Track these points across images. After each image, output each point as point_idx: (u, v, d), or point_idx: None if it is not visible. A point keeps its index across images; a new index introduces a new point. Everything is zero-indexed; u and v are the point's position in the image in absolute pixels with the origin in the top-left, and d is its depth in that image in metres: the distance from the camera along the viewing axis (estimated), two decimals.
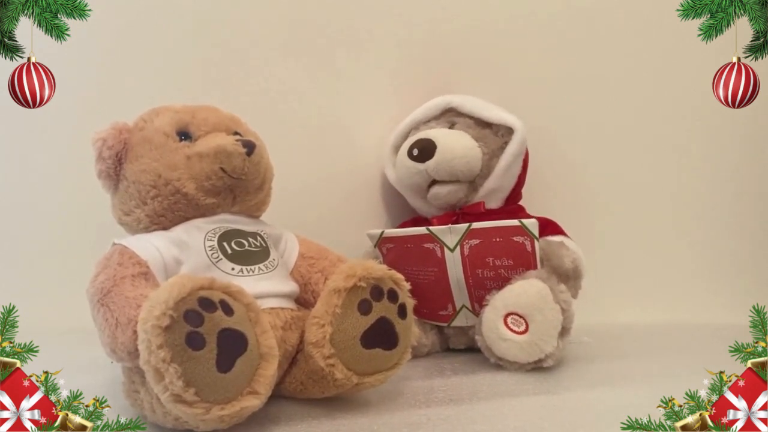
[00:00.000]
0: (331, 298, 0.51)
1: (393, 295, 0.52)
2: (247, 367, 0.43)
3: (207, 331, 0.41)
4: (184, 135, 0.59)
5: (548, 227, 0.81)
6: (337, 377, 0.51)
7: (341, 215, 0.95)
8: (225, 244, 0.56)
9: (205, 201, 0.58)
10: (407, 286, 0.54)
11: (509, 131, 0.84)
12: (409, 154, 0.82)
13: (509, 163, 0.84)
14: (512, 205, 0.88)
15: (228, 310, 0.43)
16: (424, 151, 0.81)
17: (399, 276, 0.54)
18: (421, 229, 0.72)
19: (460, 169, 0.81)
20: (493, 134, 0.85)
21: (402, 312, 0.53)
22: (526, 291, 0.66)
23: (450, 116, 0.88)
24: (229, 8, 0.94)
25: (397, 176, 0.89)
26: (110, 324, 0.46)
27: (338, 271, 0.52)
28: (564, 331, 0.68)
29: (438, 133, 0.83)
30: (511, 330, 0.66)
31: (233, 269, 0.54)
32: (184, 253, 0.54)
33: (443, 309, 0.75)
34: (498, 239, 0.69)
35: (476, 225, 0.69)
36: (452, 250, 0.70)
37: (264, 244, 0.59)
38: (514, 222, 0.68)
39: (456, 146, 0.81)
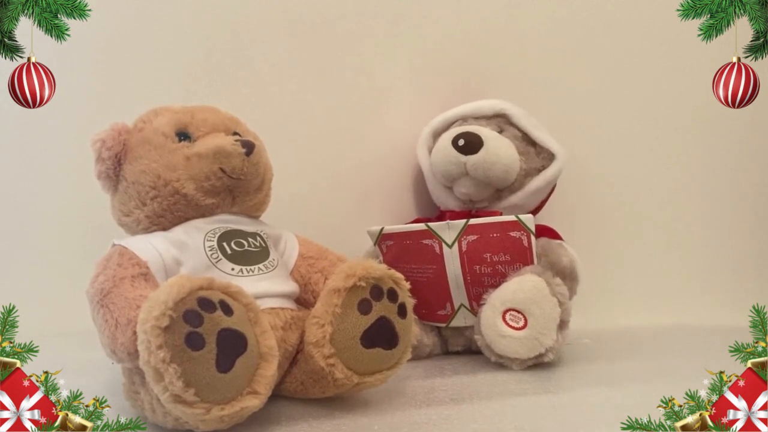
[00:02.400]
0: (331, 297, 0.51)
1: (393, 295, 0.52)
2: (246, 367, 0.43)
3: (206, 332, 0.41)
4: (184, 135, 0.59)
5: (546, 233, 0.81)
6: (337, 377, 0.51)
7: (343, 215, 0.95)
8: (225, 244, 0.56)
9: (205, 201, 0.58)
10: (407, 285, 0.54)
11: (551, 156, 0.84)
12: (454, 142, 0.81)
13: (540, 187, 0.83)
14: None
15: (227, 311, 0.43)
16: (470, 145, 0.79)
17: (399, 275, 0.54)
18: (420, 225, 0.72)
19: (497, 174, 0.80)
20: (536, 154, 0.85)
21: (402, 311, 0.53)
22: (522, 286, 0.66)
23: (500, 122, 0.87)
24: (234, 7, 0.94)
25: (432, 161, 0.87)
26: (110, 325, 0.46)
27: (338, 270, 0.52)
28: (562, 324, 0.68)
29: (488, 133, 0.81)
30: (510, 326, 0.67)
31: (233, 269, 0.54)
32: (183, 253, 0.54)
33: (442, 308, 0.75)
34: (495, 234, 0.69)
35: (474, 221, 0.70)
36: (450, 246, 0.70)
37: (264, 245, 0.59)
38: (511, 217, 0.69)
39: (502, 152, 0.80)
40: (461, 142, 0.80)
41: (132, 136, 0.59)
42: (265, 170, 0.63)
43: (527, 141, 0.85)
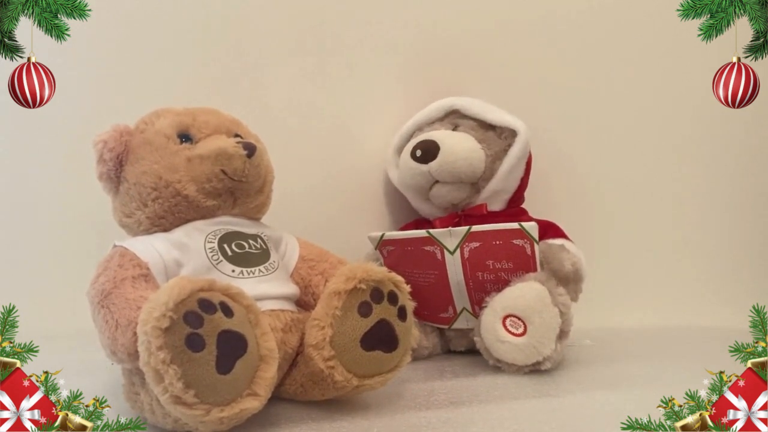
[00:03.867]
0: (331, 300, 0.51)
1: (393, 298, 0.52)
2: (246, 368, 0.43)
3: (207, 333, 0.41)
4: (185, 137, 0.59)
5: (550, 230, 0.81)
6: (337, 379, 0.51)
7: (344, 218, 0.95)
8: (225, 246, 0.56)
9: (206, 203, 0.58)
10: (407, 288, 0.54)
11: (513, 134, 0.84)
12: (413, 155, 0.82)
13: (512, 166, 0.83)
14: (515, 208, 0.88)
15: (228, 312, 0.43)
16: (427, 152, 0.81)
17: (399, 278, 0.54)
18: (421, 232, 0.72)
19: (462, 170, 0.81)
20: (497, 136, 0.85)
21: (402, 314, 0.53)
22: (524, 293, 0.66)
23: (454, 118, 0.88)
24: (232, 9, 0.94)
25: (399, 177, 0.89)
26: (110, 326, 0.46)
27: (338, 273, 0.52)
28: (562, 334, 0.68)
29: (441, 135, 0.83)
30: (510, 332, 0.66)
31: (233, 271, 0.54)
32: (184, 255, 0.54)
33: (444, 311, 0.75)
34: (498, 242, 0.69)
35: (476, 228, 0.69)
36: (452, 253, 0.70)
37: (264, 247, 0.59)
38: (514, 225, 0.68)
39: (459, 148, 0.81)
40: (418, 152, 0.82)
41: (134, 138, 0.59)
42: (267, 172, 0.63)
43: (485, 127, 0.85)
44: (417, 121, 0.90)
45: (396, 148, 0.92)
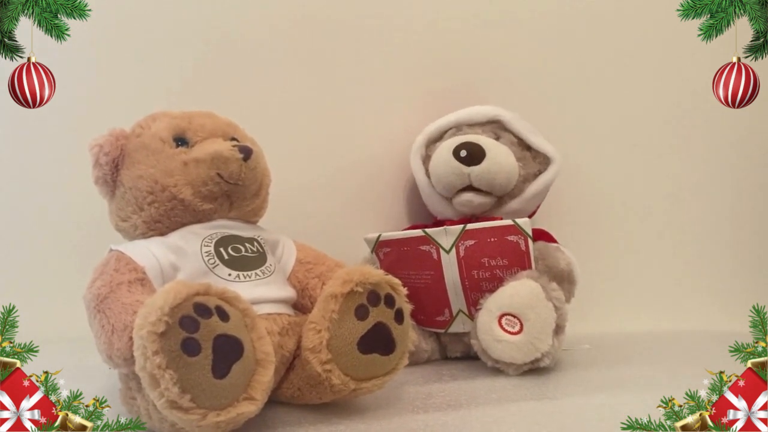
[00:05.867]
0: (328, 303, 0.51)
1: (390, 300, 0.52)
2: (243, 373, 0.43)
3: (203, 337, 0.40)
4: (181, 141, 0.59)
5: (542, 237, 0.81)
6: (334, 383, 0.50)
7: (344, 219, 0.95)
8: (222, 249, 0.56)
9: (202, 207, 0.58)
10: (404, 291, 0.54)
11: (546, 160, 0.84)
12: (456, 153, 0.81)
13: (539, 191, 0.84)
14: None
15: (224, 316, 0.43)
16: (473, 155, 0.80)
17: (396, 281, 0.54)
18: (417, 232, 0.72)
19: (500, 182, 0.80)
20: (532, 158, 0.85)
21: (399, 317, 0.53)
22: (518, 291, 0.67)
23: (495, 128, 0.87)
24: (233, 9, 0.94)
25: (433, 170, 0.85)
26: (106, 330, 0.46)
27: (335, 276, 0.52)
28: (558, 329, 0.68)
29: (488, 143, 0.82)
30: (506, 331, 0.67)
31: (230, 275, 0.54)
32: (180, 259, 0.54)
33: (440, 314, 0.75)
34: (492, 239, 0.69)
35: (471, 226, 0.70)
36: (448, 252, 0.70)
37: (261, 250, 0.59)
38: (508, 221, 0.69)
39: (504, 161, 0.81)
40: (463, 152, 0.80)
41: (130, 142, 0.59)
42: (263, 175, 0.63)
43: (523, 146, 0.85)
44: (457, 119, 0.89)
45: (428, 139, 0.90)
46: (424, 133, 0.91)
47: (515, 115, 0.88)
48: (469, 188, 0.82)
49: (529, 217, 0.86)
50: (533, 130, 0.86)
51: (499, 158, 0.80)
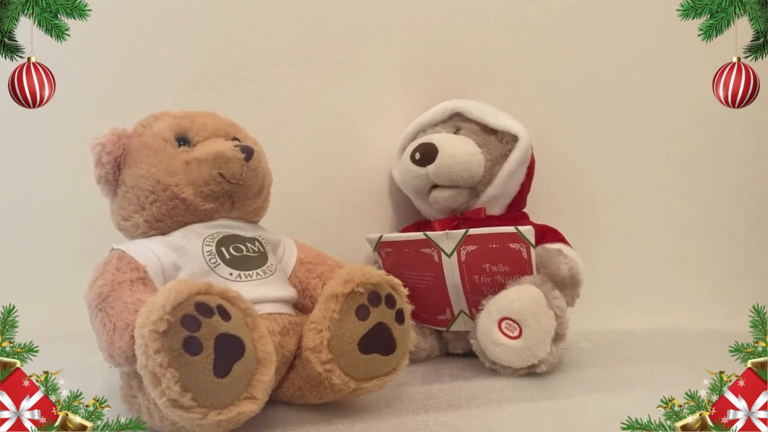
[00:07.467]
0: (329, 303, 0.51)
1: (391, 301, 0.52)
2: (244, 372, 0.43)
3: (204, 336, 0.41)
4: (183, 140, 0.59)
5: (548, 234, 0.81)
6: (334, 382, 0.51)
7: (345, 219, 0.95)
8: (223, 249, 0.56)
9: (204, 206, 0.58)
10: (405, 291, 0.54)
11: (514, 139, 0.84)
12: (412, 157, 0.83)
13: (512, 171, 0.83)
14: (514, 212, 0.87)
15: (225, 315, 0.43)
16: (426, 155, 0.81)
17: (397, 281, 0.54)
18: (418, 235, 0.72)
19: (460, 174, 0.81)
20: (498, 141, 0.85)
21: (399, 317, 0.53)
22: (520, 296, 0.66)
23: (456, 121, 0.88)
24: (233, 10, 0.94)
25: (400, 179, 0.90)
26: (108, 329, 0.46)
27: (336, 276, 0.53)
28: (558, 337, 0.68)
29: (441, 138, 0.82)
30: (505, 335, 0.66)
31: (231, 274, 0.54)
32: (182, 258, 0.54)
33: (441, 314, 0.75)
34: (494, 245, 0.69)
35: (473, 231, 0.69)
36: (449, 256, 0.70)
37: (262, 250, 0.59)
38: (510, 229, 0.68)
39: (458, 152, 0.81)
40: (417, 155, 0.82)
41: (132, 141, 0.59)
42: (264, 175, 0.63)
43: (487, 131, 0.85)
44: (420, 122, 0.90)
45: (400, 148, 0.92)
46: (397, 143, 0.93)
47: (475, 102, 0.88)
48: (436, 186, 0.83)
49: (517, 200, 0.87)
50: (494, 113, 0.86)
51: (453, 150, 0.81)
